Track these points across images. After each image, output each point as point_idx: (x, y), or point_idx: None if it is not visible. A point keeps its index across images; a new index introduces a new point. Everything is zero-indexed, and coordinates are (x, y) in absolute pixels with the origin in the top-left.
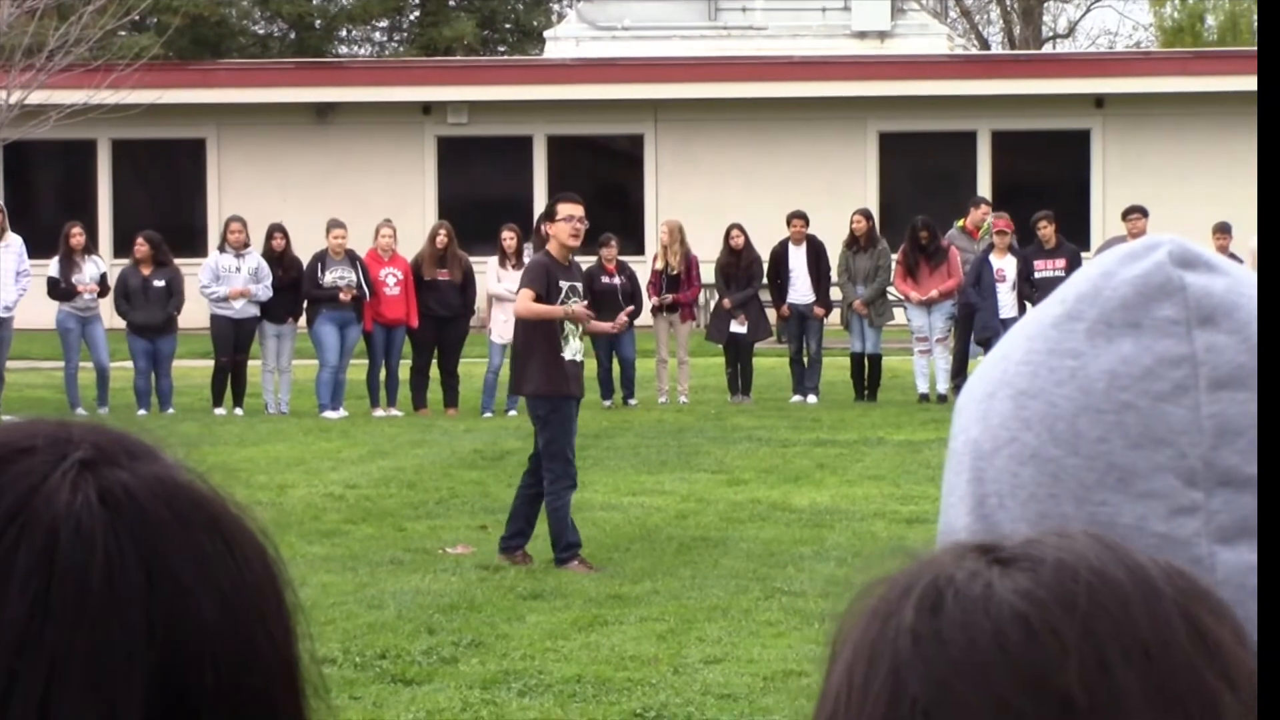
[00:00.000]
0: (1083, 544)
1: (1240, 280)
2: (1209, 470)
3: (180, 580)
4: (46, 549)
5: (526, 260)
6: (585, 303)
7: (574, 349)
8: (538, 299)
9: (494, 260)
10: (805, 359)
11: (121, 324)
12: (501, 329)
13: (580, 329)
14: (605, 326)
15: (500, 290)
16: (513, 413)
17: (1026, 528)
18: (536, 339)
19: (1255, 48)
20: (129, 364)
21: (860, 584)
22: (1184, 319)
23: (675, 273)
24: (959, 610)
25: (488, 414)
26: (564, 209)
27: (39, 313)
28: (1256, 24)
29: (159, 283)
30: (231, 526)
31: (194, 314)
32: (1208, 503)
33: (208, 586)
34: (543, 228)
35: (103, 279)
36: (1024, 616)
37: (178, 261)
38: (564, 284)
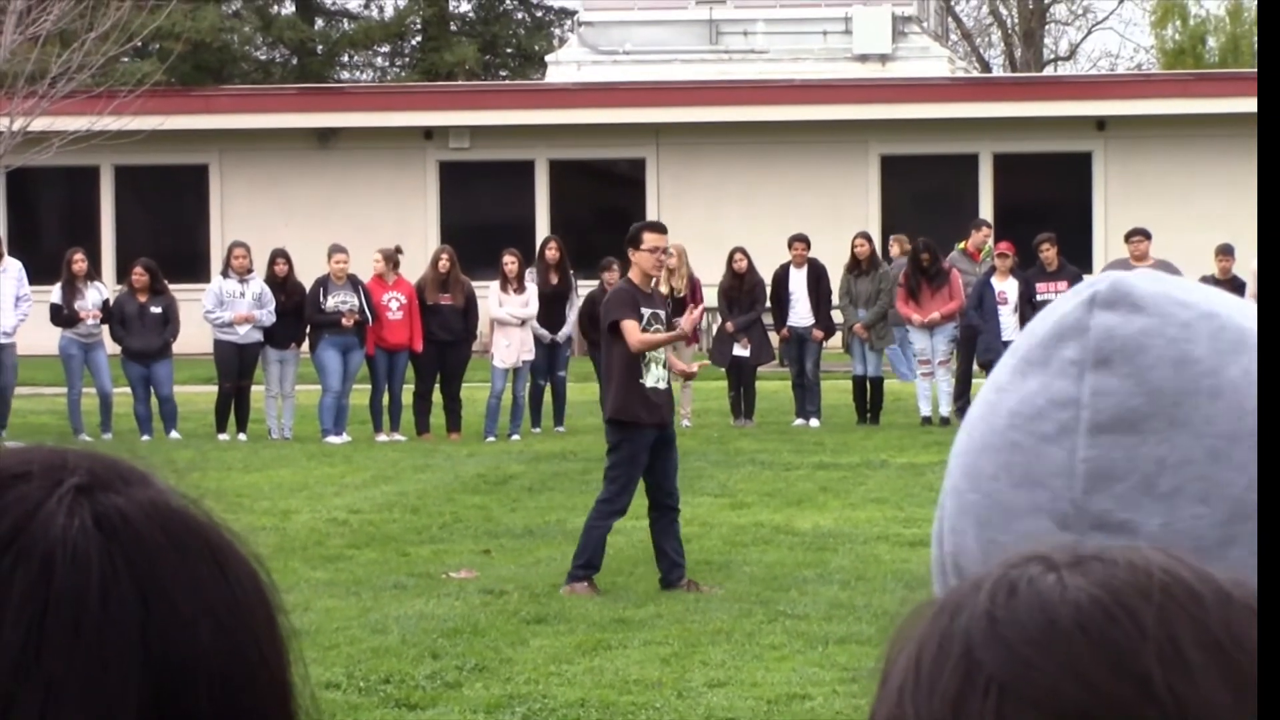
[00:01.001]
0: (1150, 552)
1: (1168, 321)
2: (1080, 514)
3: (175, 604)
4: (43, 574)
5: (528, 284)
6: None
7: (655, 376)
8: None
9: (495, 285)
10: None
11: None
12: (503, 354)
13: (664, 358)
14: (686, 369)
15: (502, 314)
16: (515, 437)
17: (952, 561)
18: (617, 365)
19: (1256, 69)
20: (130, 390)
21: (906, 606)
22: (1081, 360)
23: (681, 295)
24: (1035, 596)
25: (490, 439)
26: (649, 238)
27: (42, 339)
28: (1257, 31)
29: (156, 310)
30: (225, 551)
31: (197, 339)
32: None
33: (203, 610)
34: (627, 252)
35: (105, 305)
36: (1101, 602)
37: (181, 287)
38: (646, 311)
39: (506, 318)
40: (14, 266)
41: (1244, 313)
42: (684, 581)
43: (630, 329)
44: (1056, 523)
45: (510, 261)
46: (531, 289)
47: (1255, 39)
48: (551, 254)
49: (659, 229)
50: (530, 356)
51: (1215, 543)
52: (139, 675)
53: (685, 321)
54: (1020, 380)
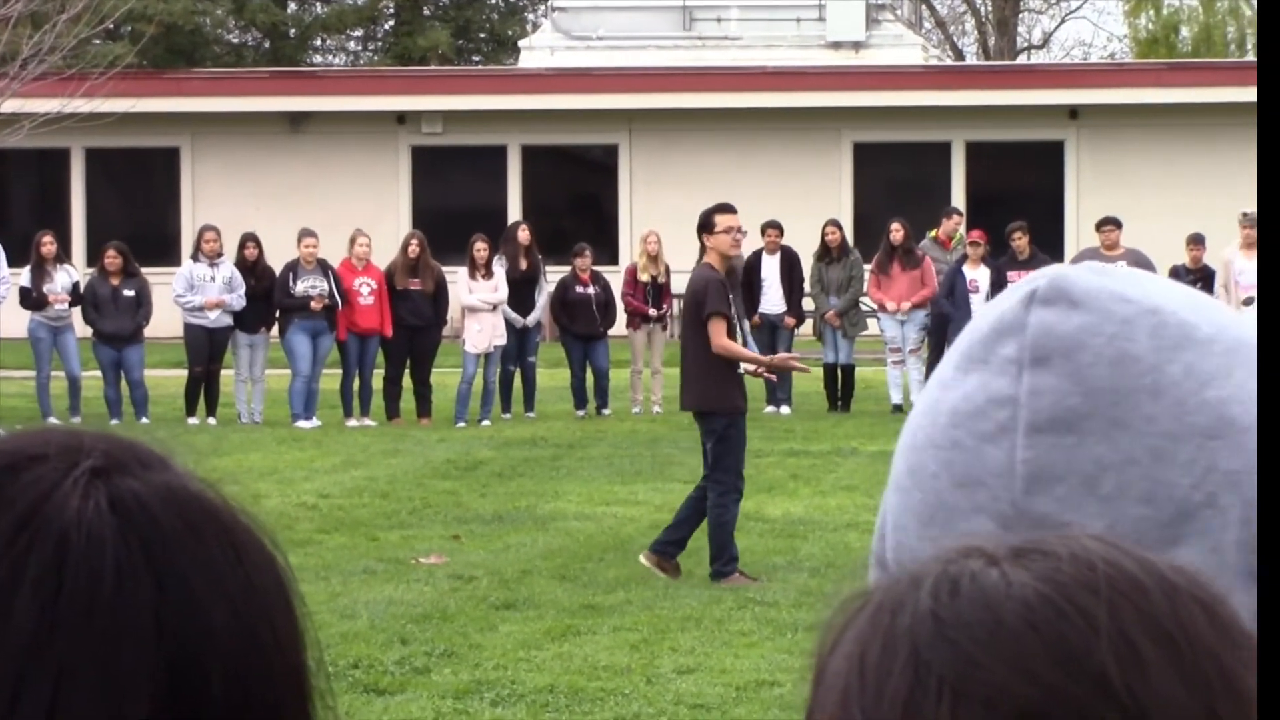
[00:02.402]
0: (1089, 541)
1: (1107, 318)
2: (1020, 515)
3: (190, 588)
4: (57, 556)
5: (496, 269)
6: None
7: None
8: (729, 326)
9: (464, 271)
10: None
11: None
12: (475, 339)
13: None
14: (796, 365)
15: (472, 301)
16: (486, 423)
17: (894, 557)
18: (717, 355)
19: (1229, 59)
20: (100, 373)
21: (836, 598)
22: (1018, 359)
23: (662, 282)
24: (979, 594)
25: (461, 424)
26: (722, 220)
27: (11, 322)
28: (1257, 24)
29: (129, 292)
30: (241, 536)
31: (166, 323)
32: None
33: (217, 594)
34: (701, 238)
35: (75, 288)
36: (1049, 598)
37: (151, 270)
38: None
39: (477, 304)
40: None
41: (1193, 306)
42: (672, 562)
43: (718, 330)
44: (997, 523)
45: (480, 249)
46: (499, 273)
47: (1229, 29)
48: (523, 237)
49: (730, 209)
50: (502, 342)
51: (1159, 543)
52: (152, 658)
53: (777, 358)
54: (962, 377)
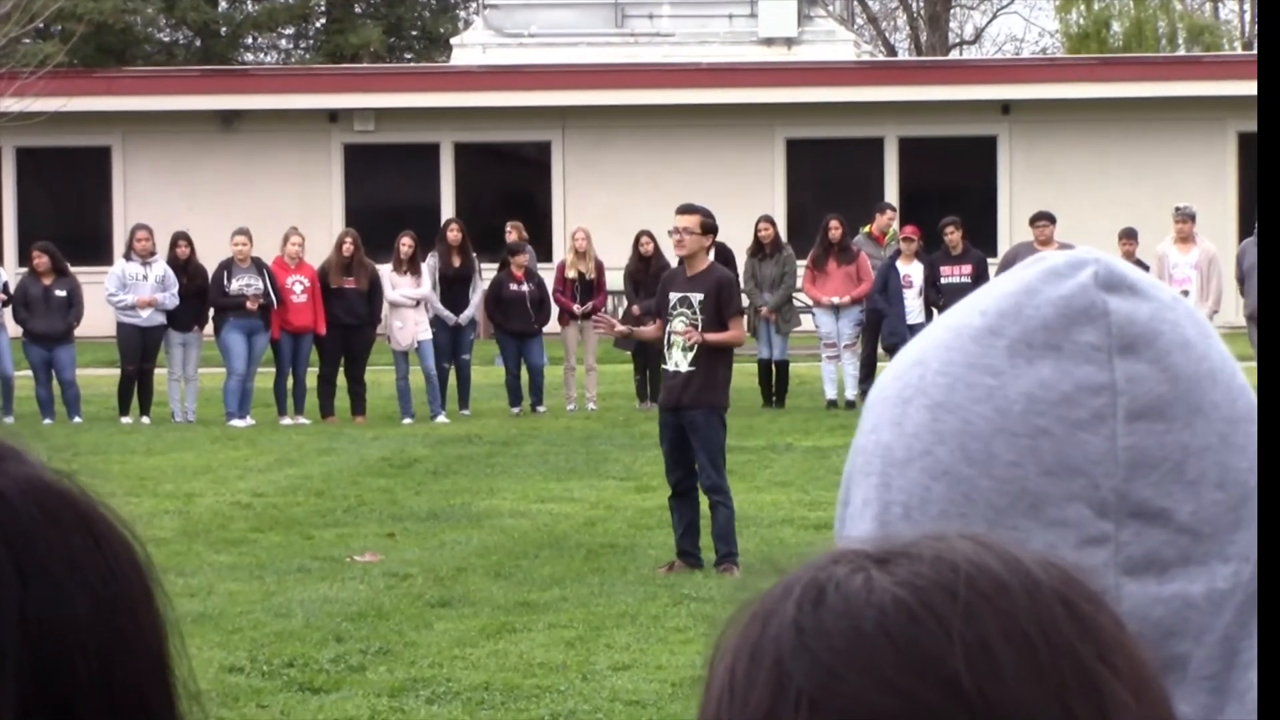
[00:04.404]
0: (958, 542)
1: (1164, 305)
2: (1121, 502)
3: (53, 578)
4: None
5: (422, 267)
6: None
7: (674, 360)
8: (657, 315)
9: (388, 267)
10: None
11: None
12: (397, 335)
13: (685, 341)
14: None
15: (395, 296)
16: (442, 418)
17: None
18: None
19: (1160, 54)
20: (32, 373)
21: (737, 604)
22: (1106, 346)
23: (590, 279)
24: (841, 601)
25: (407, 420)
26: (675, 219)
27: None
28: (1258, 24)
29: (60, 292)
30: (101, 525)
31: (99, 323)
32: (1117, 534)
33: (79, 583)
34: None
35: (5, 288)
36: (906, 603)
37: (83, 270)
38: (674, 295)
39: (400, 300)
40: None
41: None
42: (722, 565)
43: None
44: (1095, 510)
45: (406, 245)
46: (426, 270)
47: (1160, 23)
48: (453, 236)
49: (685, 210)
50: (426, 337)
51: (1228, 527)
52: (17, 649)
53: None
54: (1025, 365)
